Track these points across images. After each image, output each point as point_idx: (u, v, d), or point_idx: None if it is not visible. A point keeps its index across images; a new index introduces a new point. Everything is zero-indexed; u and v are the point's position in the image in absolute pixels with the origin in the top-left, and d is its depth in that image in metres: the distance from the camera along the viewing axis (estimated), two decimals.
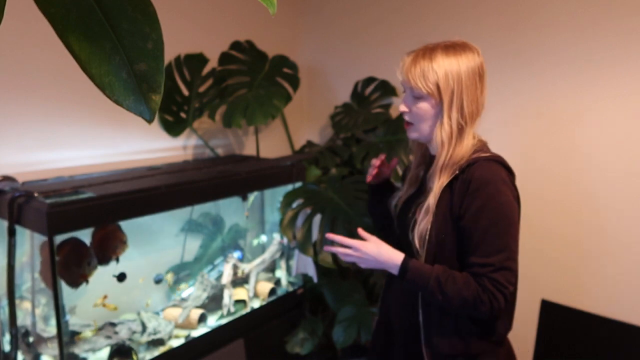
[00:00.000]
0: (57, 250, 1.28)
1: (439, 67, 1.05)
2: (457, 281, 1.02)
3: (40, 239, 1.34)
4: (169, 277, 1.74)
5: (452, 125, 1.06)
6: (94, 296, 1.50)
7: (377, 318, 1.35)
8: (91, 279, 1.40)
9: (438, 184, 1.08)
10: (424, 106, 1.09)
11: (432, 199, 1.08)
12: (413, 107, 1.11)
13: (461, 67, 1.05)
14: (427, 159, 1.22)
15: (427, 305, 1.12)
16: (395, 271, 1.09)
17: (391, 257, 1.10)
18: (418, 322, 1.14)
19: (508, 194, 1.04)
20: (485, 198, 1.02)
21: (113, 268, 1.47)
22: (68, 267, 1.32)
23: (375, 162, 1.33)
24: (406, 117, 1.14)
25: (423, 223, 1.09)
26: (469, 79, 1.05)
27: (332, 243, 1.20)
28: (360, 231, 1.17)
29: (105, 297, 1.51)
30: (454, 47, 1.07)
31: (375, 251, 1.11)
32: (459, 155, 1.07)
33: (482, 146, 1.12)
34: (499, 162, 1.08)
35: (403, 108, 1.13)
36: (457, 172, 1.06)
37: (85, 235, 1.37)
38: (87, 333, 1.48)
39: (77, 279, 1.36)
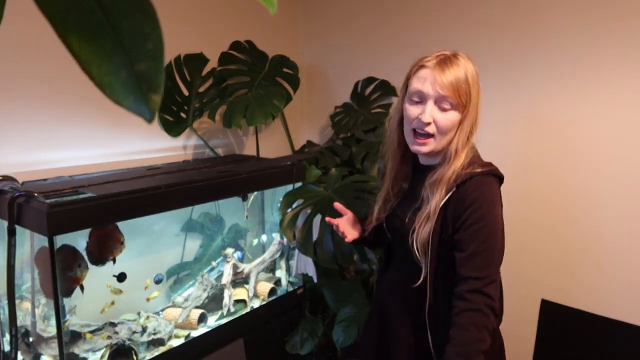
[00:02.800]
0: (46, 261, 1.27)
1: (469, 75, 1.06)
2: (470, 335, 1.01)
3: (36, 247, 1.34)
4: (157, 293, 1.73)
5: (466, 132, 1.08)
6: (94, 296, 1.49)
7: (370, 309, 1.37)
8: (93, 282, 1.40)
9: (439, 195, 1.07)
10: (453, 116, 1.07)
11: (433, 207, 1.08)
12: (441, 118, 1.06)
13: (476, 75, 1.08)
14: (413, 169, 1.21)
15: (433, 315, 1.13)
16: None
17: None
18: (425, 330, 1.15)
19: (499, 208, 1.09)
20: (480, 215, 1.04)
21: (110, 269, 1.46)
22: (59, 274, 1.31)
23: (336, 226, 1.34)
24: (429, 130, 1.07)
25: (424, 231, 1.08)
26: (479, 87, 1.09)
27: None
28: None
29: (112, 303, 1.51)
30: (463, 56, 1.08)
31: None
32: (461, 161, 1.09)
33: (475, 154, 1.12)
34: (493, 174, 1.09)
35: (428, 118, 1.06)
36: (454, 187, 1.07)
37: (83, 236, 1.37)
38: (89, 335, 1.48)
39: (70, 284, 1.34)
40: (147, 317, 1.59)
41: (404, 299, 1.23)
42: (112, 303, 1.52)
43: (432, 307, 1.13)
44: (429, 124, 1.07)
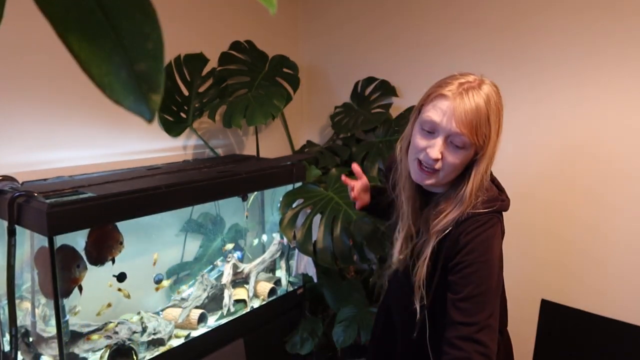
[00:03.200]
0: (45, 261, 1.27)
1: (492, 113, 0.95)
2: None
3: (35, 247, 1.34)
4: (167, 282, 1.74)
5: (482, 174, 0.99)
6: (94, 296, 1.49)
7: (375, 315, 1.36)
8: (93, 282, 1.40)
9: (437, 234, 1.01)
10: (464, 156, 0.97)
11: (429, 248, 1.02)
12: (450, 155, 0.97)
13: (497, 108, 0.97)
14: (420, 196, 1.12)
15: (434, 345, 1.11)
16: None
17: None
18: (423, 317, 1.13)
19: (496, 249, 0.99)
20: (473, 258, 0.97)
21: (110, 269, 1.46)
22: (58, 274, 1.30)
23: (350, 185, 1.30)
24: (436, 165, 0.98)
25: (421, 269, 1.03)
26: (501, 123, 0.98)
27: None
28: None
29: (109, 305, 1.51)
30: (490, 86, 0.97)
31: None
32: (471, 204, 1.00)
33: (486, 187, 1.03)
34: (495, 212, 1.01)
35: (436, 155, 0.96)
36: (452, 226, 1.00)
37: (82, 236, 1.37)
38: (95, 336, 1.48)
39: (69, 284, 1.34)
40: (141, 317, 1.58)
41: (404, 327, 1.19)
42: (109, 305, 1.53)
43: (432, 339, 1.10)
44: (437, 160, 0.97)
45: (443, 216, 1.01)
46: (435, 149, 0.96)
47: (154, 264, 1.66)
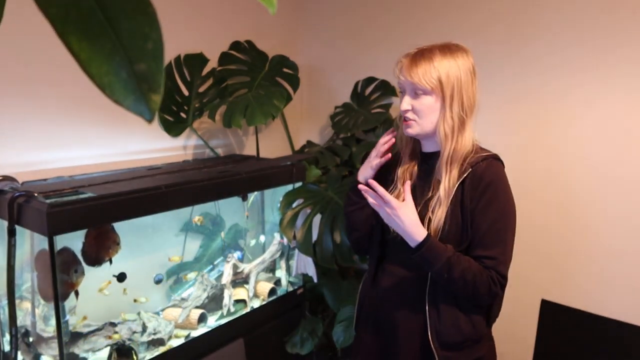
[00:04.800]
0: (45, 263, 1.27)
1: (440, 65, 1.12)
2: (471, 266, 1.10)
3: (35, 247, 1.34)
4: (193, 274, 1.75)
5: (454, 118, 1.14)
6: (94, 296, 1.49)
7: (358, 322, 1.38)
8: (93, 282, 1.40)
9: (448, 177, 1.14)
10: (428, 101, 1.14)
11: (443, 191, 1.14)
12: (416, 103, 1.15)
13: (459, 65, 1.14)
14: (418, 158, 1.27)
15: (432, 299, 1.17)
16: (412, 243, 1.13)
17: (417, 231, 1.12)
18: (424, 317, 1.18)
19: (511, 193, 1.16)
20: (495, 195, 1.12)
21: (106, 270, 1.46)
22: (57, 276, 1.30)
23: (386, 140, 1.29)
24: (408, 115, 1.17)
25: (437, 215, 1.14)
26: (466, 75, 1.14)
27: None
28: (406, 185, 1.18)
29: (109, 282, 1.50)
30: (449, 48, 1.15)
31: (408, 219, 1.11)
32: (463, 148, 1.15)
33: (479, 145, 1.20)
34: (501, 162, 1.19)
35: (405, 106, 1.16)
36: (470, 168, 1.13)
37: (79, 237, 1.36)
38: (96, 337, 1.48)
39: (66, 289, 1.33)
40: (139, 313, 1.59)
41: (403, 292, 1.24)
42: (109, 282, 1.52)
43: (432, 293, 1.17)
44: (407, 111, 1.17)
45: (442, 156, 1.15)
46: (404, 102, 1.17)
47: (173, 259, 1.70)
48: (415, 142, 1.27)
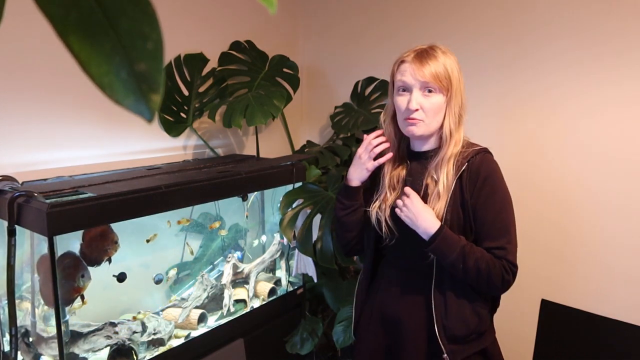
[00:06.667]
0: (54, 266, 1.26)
1: (446, 63, 1.15)
2: (484, 256, 1.13)
3: (35, 247, 1.34)
4: (172, 273, 1.74)
5: (456, 115, 1.17)
6: (94, 296, 1.49)
7: (365, 317, 1.37)
8: (93, 282, 1.39)
9: (446, 173, 1.16)
10: (438, 99, 1.16)
11: (442, 187, 1.16)
12: (425, 102, 1.16)
13: (455, 63, 1.18)
14: (406, 157, 1.27)
15: (438, 295, 1.18)
16: (425, 236, 1.15)
17: (430, 225, 1.14)
18: (430, 312, 1.19)
19: (505, 183, 1.20)
20: (494, 188, 1.15)
21: (104, 269, 1.46)
22: (61, 283, 1.30)
23: (379, 141, 1.27)
24: (417, 116, 1.16)
25: (436, 210, 1.16)
26: (459, 73, 1.19)
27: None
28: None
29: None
30: (440, 48, 1.18)
31: (422, 213, 1.15)
32: (459, 144, 1.18)
33: (467, 140, 1.23)
34: (491, 155, 1.22)
35: (415, 105, 1.15)
36: (466, 163, 1.16)
37: (77, 237, 1.36)
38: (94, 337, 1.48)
39: (71, 293, 1.33)
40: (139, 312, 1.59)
41: (407, 290, 1.25)
42: (156, 235, 1.58)
43: (438, 288, 1.18)
44: (416, 110, 1.16)
45: (439, 155, 1.18)
46: (413, 101, 1.15)
47: (191, 253, 1.78)
48: (404, 142, 1.28)
